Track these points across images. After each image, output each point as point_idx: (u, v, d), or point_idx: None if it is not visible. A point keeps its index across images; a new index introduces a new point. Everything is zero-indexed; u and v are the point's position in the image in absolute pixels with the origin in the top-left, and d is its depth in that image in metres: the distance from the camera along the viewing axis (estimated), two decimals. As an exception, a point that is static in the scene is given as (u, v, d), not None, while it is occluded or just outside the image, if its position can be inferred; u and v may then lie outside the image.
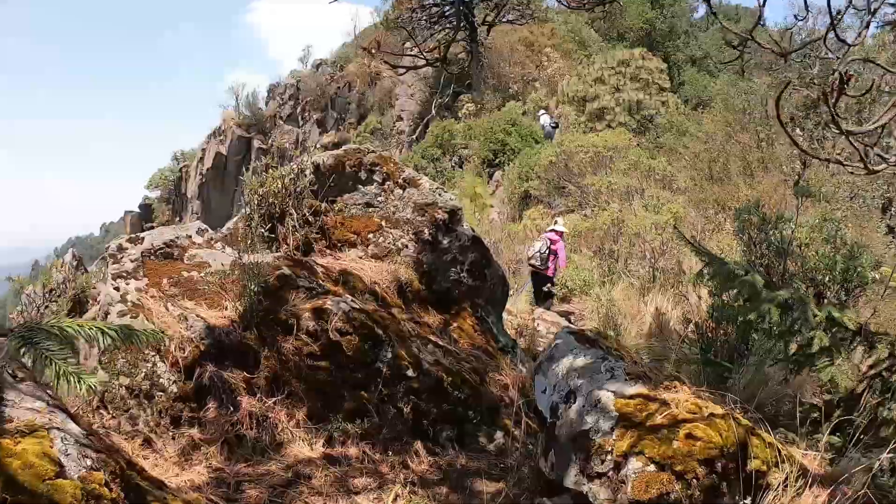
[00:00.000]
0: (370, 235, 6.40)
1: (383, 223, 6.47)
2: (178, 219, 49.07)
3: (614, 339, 4.43)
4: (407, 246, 6.32)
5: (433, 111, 35.75)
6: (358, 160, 6.68)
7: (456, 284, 6.41)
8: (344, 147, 6.80)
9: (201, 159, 47.57)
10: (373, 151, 6.77)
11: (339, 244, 6.36)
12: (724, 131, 17.72)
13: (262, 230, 6.07)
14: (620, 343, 4.57)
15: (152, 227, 50.77)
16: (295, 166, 6.52)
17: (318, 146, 45.17)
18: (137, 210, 52.12)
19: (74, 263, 7.63)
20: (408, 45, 40.34)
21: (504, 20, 36.41)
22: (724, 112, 17.80)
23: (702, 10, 46.97)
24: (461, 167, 25.08)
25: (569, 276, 12.48)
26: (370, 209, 6.59)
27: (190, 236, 5.23)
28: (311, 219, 6.31)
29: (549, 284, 12.73)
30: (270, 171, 6.34)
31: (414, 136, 36.13)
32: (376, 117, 41.67)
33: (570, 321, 11.75)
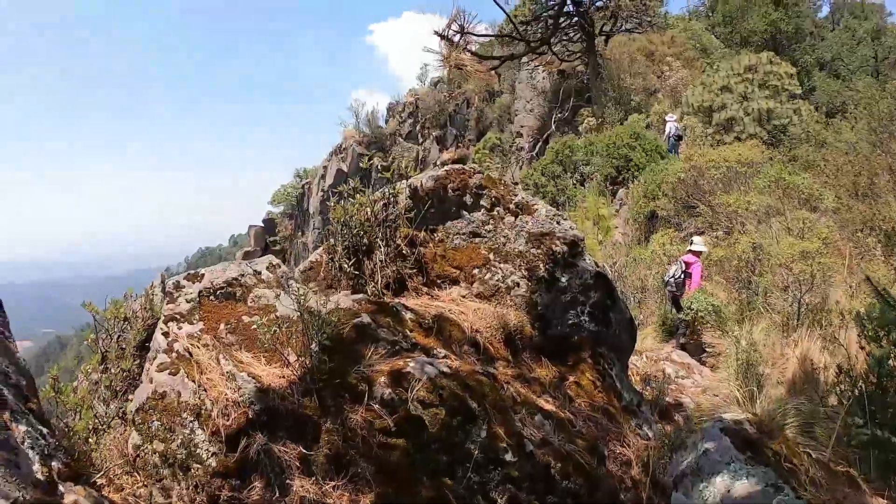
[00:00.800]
0: (475, 271, 5.42)
1: (491, 256, 5.48)
2: (300, 233, 51.04)
3: (783, 441, 3.21)
4: (518, 284, 5.30)
5: (553, 126, 34.61)
6: (462, 182, 5.74)
7: (575, 330, 5.30)
8: (446, 167, 5.88)
9: (323, 176, 48.81)
10: (479, 172, 5.81)
11: (439, 281, 5.42)
12: (869, 140, 15.57)
13: (347, 265, 5.23)
14: (791, 445, 3.31)
15: (275, 241, 52.40)
16: (387, 191, 5.65)
17: (438, 163, 45.26)
18: (261, 224, 53.74)
19: (160, 287, 6.91)
20: (524, 59, 39.56)
21: (622, 30, 34.88)
22: (869, 118, 15.62)
23: (826, 8, 43.83)
24: (583, 184, 23.76)
25: (696, 300, 11.05)
26: (476, 239, 5.62)
27: (259, 272, 4.42)
28: (405, 250, 5.40)
29: (680, 312, 11.39)
30: (358, 195, 5.49)
31: (534, 153, 35.13)
32: (495, 133, 41.08)
33: (701, 361, 10.31)
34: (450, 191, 5.69)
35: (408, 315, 4.46)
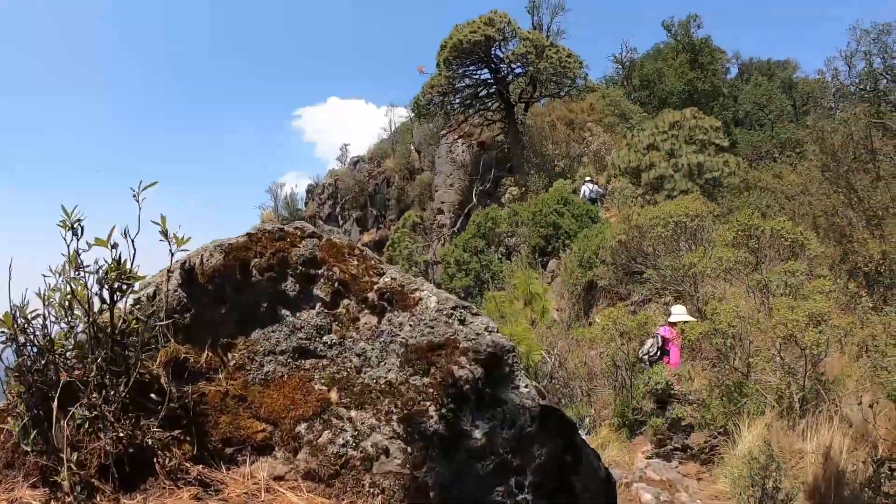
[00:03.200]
0: (302, 426, 2.76)
1: (334, 396, 2.83)
2: None
3: None
4: (387, 450, 2.65)
5: (474, 199, 32.68)
6: (280, 255, 3.11)
7: (509, 529, 2.66)
8: (251, 229, 3.25)
9: None
10: (312, 236, 3.20)
11: (230, 449, 2.73)
12: (824, 178, 13.93)
13: (28, 432, 2.52)
14: None
15: None
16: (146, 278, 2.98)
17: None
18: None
19: None
20: (442, 132, 38.00)
21: (542, 96, 33.76)
22: (821, 154, 14.02)
23: (734, 70, 44.87)
24: (509, 258, 21.47)
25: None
26: (306, 363, 2.96)
27: None
28: (164, 387, 2.71)
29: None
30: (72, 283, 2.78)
31: (455, 228, 33.08)
32: (416, 211, 39.17)
33: (681, 474, 7.78)
34: (255, 271, 3.05)
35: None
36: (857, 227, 12.13)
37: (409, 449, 2.62)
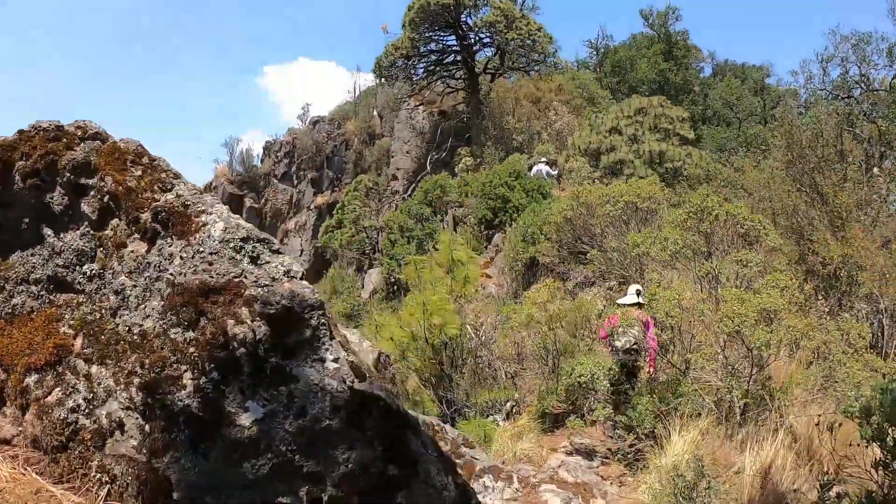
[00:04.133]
0: (31, 379, 2.01)
1: (78, 343, 2.07)
2: None
3: None
4: (122, 425, 1.89)
5: (428, 168, 31.80)
6: (49, 159, 2.32)
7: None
8: (27, 126, 2.45)
9: None
10: (95, 138, 2.40)
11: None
12: (784, 176, 13.34)
13: None
14: None
15: None
16: None
17: (311, 207, 41.95)
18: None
19: None
20: (404, 97, 36.92)
21: (509, 68, 32.88)
22: (787, 150, 13.41)
23: (708, 69, 44.64)
24: (455, 229, 20.73)
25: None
26: (59, 298, 2.20)
27: None
28: None
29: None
30: None
31: (407, 195, 32.21)
32: (370, 176, 38.16)
33: (601, 476, 7.12)
34: (18, 177, 2.27)
35: None
36: (818, 228, 11.57)
37: (146, 427, 1.87)
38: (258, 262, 2.12)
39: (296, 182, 44.34)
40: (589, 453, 7.46)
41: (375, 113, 42.92)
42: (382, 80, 33.62)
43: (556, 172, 23.03)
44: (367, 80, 45.53)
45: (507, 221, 18.23)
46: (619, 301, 8.79)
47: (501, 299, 14.36)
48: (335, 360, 2.04)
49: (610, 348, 8.55)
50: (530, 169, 22.30)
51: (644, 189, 12.55)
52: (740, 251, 8.48)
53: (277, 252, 2.20)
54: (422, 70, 33.24)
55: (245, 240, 2.15)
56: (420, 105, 36.00)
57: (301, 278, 2.14)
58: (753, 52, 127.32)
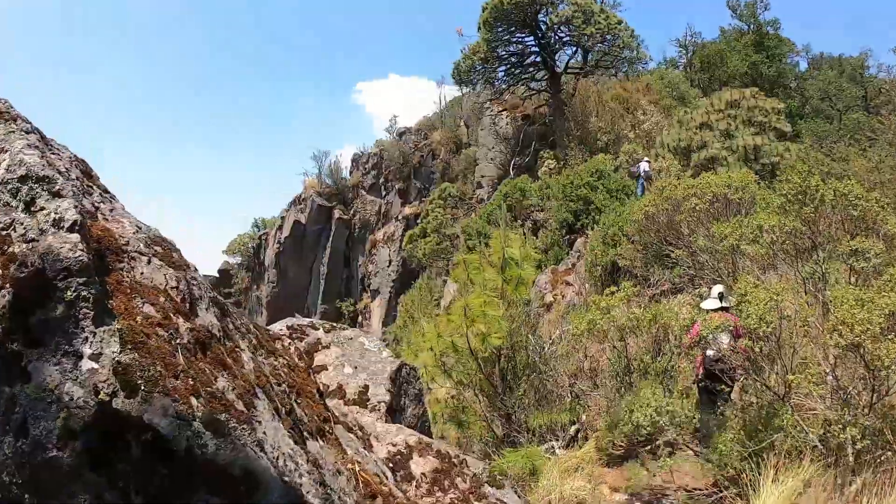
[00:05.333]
0: None
1: None
2: (254, 287, 47.88)
3: None
4: None
5: (511, 173, 30.88)
6: None
7: None
8: None
9: (280, 227, 45.90)
10: None
11: None
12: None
13: None
14: None
15: (230, 293, 48.79)
16: None
17: (399, 218, 41.73)
18: (216, 274, 49.68)
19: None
20: (486, 102, 36.16)
21: (593, 68, 31.59)
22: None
23: (804, 63, 42.13)
24: (535, 234, 19.68)
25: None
26: None
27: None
28: None
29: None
30: None
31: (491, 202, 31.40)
32: (453, 185, 37.75)
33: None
34: None
35: None
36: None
37: None
38: (32, 207, 1.33)
39: (384, 193, 44.56)
40: (655, 500, 6.21)
41: (461, 122, 42.52)
42: (462, 85, 33.00)
43: (650, 171, 21.76)
44: (453, 91, 45.33)
45: (590, 224, 17.06)
46: (702, 305, 7.53)
47: (577, 308, 13.23)
48: (95, 358, 1.20)
49: (701, 358, 7.31)
50: (636, 164, 21.02)
51: (736, 178, 11.07)
52: (853, 240, 6.92)
53: (58, 194, 1.37)
54: (502, 73, 32.43)
55: (23, 179, 1.35)
56: (503, 111, 35.30)
57: (77, 229, 1.32)
58: (848, 43, 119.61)
